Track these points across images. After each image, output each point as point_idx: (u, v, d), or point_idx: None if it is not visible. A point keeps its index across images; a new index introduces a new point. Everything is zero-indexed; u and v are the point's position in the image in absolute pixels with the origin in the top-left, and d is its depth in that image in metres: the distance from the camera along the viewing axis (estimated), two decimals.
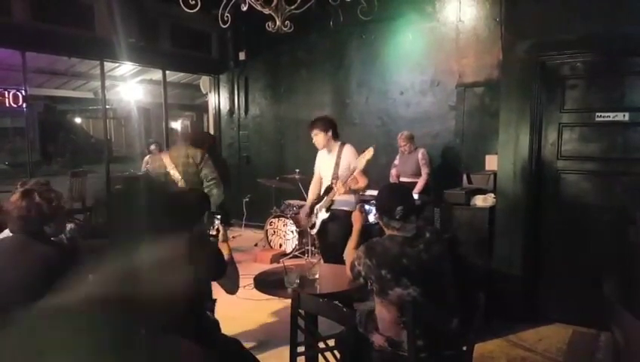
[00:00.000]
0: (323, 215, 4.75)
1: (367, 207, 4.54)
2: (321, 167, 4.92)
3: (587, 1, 4.20)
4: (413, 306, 2.43)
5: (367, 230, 3.30)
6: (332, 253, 4.52)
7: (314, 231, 4.93)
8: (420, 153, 6.39)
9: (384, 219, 2.72)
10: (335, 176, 4.68)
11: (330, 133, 4.69)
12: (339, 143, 4.74)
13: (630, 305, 2.46)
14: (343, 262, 3.71)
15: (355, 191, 4.64)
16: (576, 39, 4.22)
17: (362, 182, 4.55)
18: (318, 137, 4.71)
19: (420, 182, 6.28)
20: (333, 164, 4.71)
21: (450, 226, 5.03)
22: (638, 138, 4.13)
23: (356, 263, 2.67)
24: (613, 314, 2.43)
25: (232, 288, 2.96)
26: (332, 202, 4.68)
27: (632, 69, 4.13)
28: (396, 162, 6.64)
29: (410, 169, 6.41)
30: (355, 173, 4.45)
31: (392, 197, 2.79)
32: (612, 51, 4.19)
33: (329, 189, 4.74)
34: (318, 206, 4.86)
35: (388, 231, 2.73)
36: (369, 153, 4.32)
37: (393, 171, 6.63)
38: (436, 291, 2.60)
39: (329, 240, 4.72)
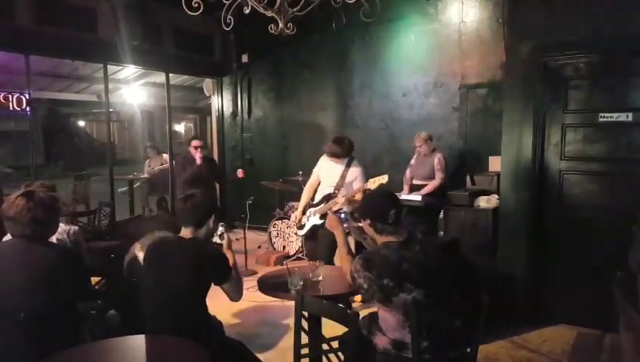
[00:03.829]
0: (315, 220, 4.81)
1: (342, 214, 4.55)
2: (323, 173, 4.95)
3: (590, 1, 4.19)
4: (417, 309, 2.43)
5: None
6: (320, 258, 4.54)
7: (302, 233, 5.03)
8: (437, 158, 5.98)
9: (378, 225, 2.69)
10: (338, 187, 4.73)
11: (342, 157, 4.76)
12: (347, 158, 4.77)
13: (637, 304, 2.45)
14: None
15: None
16: (579, 40, 4.21)
17: (360, 196, 4.59)
18: (336, 160, 4.78)
19: (430, 185, 5.93)
20: (339, 176, 4.76)
21: (454, 228, 5.03)
22: None
23: (356, 276, 2.63)
24: (621, 314, 2.42)
25: (235, 294, 2.96)
26: (327, 211, 4.71)
27: (635, 70, 4.13)
28: (412, 162, 6.25)
29: (425, 172, 6.04)
30: (359, 192, 4.51)
31: (384, 201, 2.77)
32: (615, 52, 4.18)
33: (329, 197, 4.77)
34: (312, 209, 4.88)
35: (381, 238, 2.71)
36: (383, 179, 4.40)
37: (407, 172, 6.26)
38: (439, 291, 2.60)
39: (319, 246, 4.76)
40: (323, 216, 4.75)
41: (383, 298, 2.56)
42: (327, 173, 4.90)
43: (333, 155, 4.77)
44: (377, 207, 2.74)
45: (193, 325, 2.67)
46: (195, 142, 6.37)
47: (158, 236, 3.18)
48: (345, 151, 4.74)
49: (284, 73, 8.55)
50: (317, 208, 4.87)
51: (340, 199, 4.62)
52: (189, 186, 6.00)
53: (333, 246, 4.20)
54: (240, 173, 6.72)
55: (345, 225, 3.37)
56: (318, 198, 4.95)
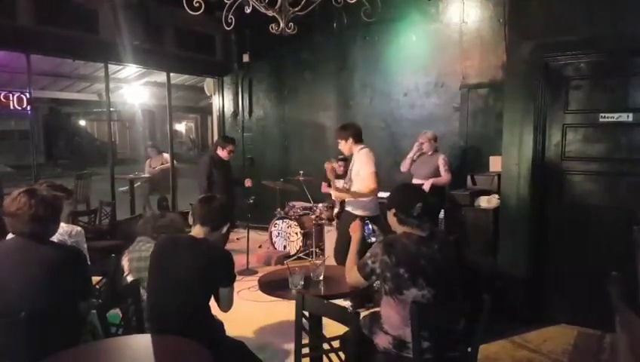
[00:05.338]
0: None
1: (370, 226, 4.51)
2: None
3: (591, 1, 4.19)
4: (418, 309, 2.43)
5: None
6: (342, 252, 4.59)
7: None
8: (441, 158, 5.96)
9: (402, 216, 2.69)
10: (348, 180, 4.76)
11: (350, 141, 4.77)
12: (359, 147, 4.76)
13: (635, 305, 2.46)
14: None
15: (358, 196, 4.69)
16: (579, 40, 4.21)
17: (365, 188, 4.57)
18: (341, 145, 4.81)
19: (439, 180, 5.85)
20: (350, 167, 4.81)
21: (455, 227, 5.03)
22: None
23: (369, 261, 2.63)
24: (617, 314, 2.42)
25: (228, 303, 2.94)
26: (343, 202, 4.76)
27: (636, 70, 4.13)
28: (414, 157, 6.11)
29: (427, 171, 5.96)
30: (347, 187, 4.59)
31: (411, 194, 2.80)
32: (616, 52, 4.18)
33: None
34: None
35: (402, 229, 2.71)
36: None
37: (407, 161, 6.14)
38: (448, 292, 2.60)
39: (340, 241, 4.81)
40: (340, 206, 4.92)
41: (394, 288, 2.56)
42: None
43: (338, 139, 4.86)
44: (403, 198, 2.76)
45: (196, 324, 2.68)
46: (231, 147, 6.23)
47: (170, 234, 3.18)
48: (344, 135, 4.80)
49: (285, 73, 8.55)
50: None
51: (334, 194, 4.84)
52: (215, 189, 6.02)
53: (341, 237, 4.32)
54: (248, 182, 6.71)
55: (372, 240, 3.41)
56: None
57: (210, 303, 2.85)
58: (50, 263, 2.45)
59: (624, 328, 2.32)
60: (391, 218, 2.78)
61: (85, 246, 3.45)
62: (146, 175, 9.88)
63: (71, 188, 3.71)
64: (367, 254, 2.68)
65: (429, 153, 6.05)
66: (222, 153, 6.19)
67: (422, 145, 6.04)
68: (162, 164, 9.72)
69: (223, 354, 2.60)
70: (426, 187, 5.74)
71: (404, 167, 6.17)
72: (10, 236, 2.67)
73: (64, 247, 2.72)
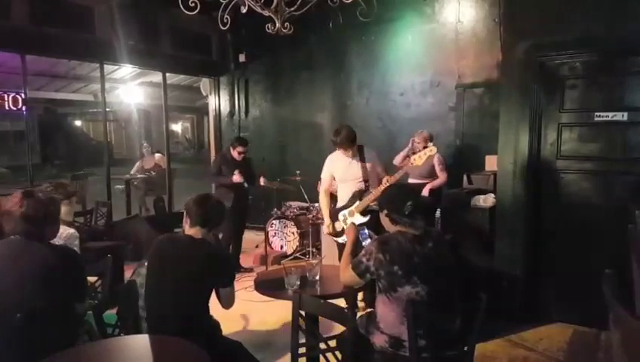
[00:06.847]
0: (359, 219, 4.54)
1: (366, 231, 4.31)
2: (341, 171, 4.70)
3: (586, 1, 4.21)
4: (414, 306, 2.44)
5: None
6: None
7: (342, 240, 4.62)
8: (436, 158, 5.89)
9: (394, 216, 2.72)
10: (366, 178, 4.57)
11: (355, 147, 4.61)
12: (355, 146, 4.60)
13: (628, 303, 2.47)
14: None
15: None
16: (574, 39, 4.22)
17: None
18: (348, 152, 4.58)
19: (437, 181, 5.91)
20: (359, 167, 4.60)
21: (451, 227, 5.03)
22: (637, 137, 4.14)
23: (364, 259, 2.65)
24: (611, 313, 2.43)
25: (230, 301, 2.94)
26: (369, 205, 4.50)
27: (630, 69, 4.14)
28: (409, 154, 6.03)
29: (421, 171, 5.89)
30: (384, 185, 4.32)
31: (401, 193, 2.84)
32: (611, 51, 4.20)
33: (361, 193, 4.56)
34: (344, 212, 4.64)
35: (397, 228, 2.73)
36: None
37: (400, 156, 6.22)
38: (443, 291, 2.61)
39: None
40: (364, 213, 4.53)
41: (388, 286, 2.57)
42: (346, 170, 4.65)
43: (342, 147, 4.56)
44: (394, 198, 2.79)
45: (194, 324, 2.67)
46: (240, 148, 6.19)
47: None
48: (344, 139, 4.51)
49: (282, 73, 8.55)
50: (352, 208, 4.58)
51: (380, 189, 4.29)
52: (223, 188, 6.21)
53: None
54: (261, 180, 6.71)
55: (366, 242, 3.38)
56: (344, 198, 4.67)
57: (208, 303, 2.85)
58: (45, 264, 2.44)
59: (617, 325, 2.33)
60: (384, 219, 2.81)
61: (77, 249, 3.43)
62: (135, 173, 9.84)
63: (74, 188, 3.71)
64: (362, 252, 2.70)
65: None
66: (233, 153, 6.26)
67: (414, 142, 6.08)
68: (155, 164, 9.69)
69: (220, 354, 2.59)
70: (425, 193, 5.76)
71: (397, 160, 6.23)
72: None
73: (59, 248, 2.71)
